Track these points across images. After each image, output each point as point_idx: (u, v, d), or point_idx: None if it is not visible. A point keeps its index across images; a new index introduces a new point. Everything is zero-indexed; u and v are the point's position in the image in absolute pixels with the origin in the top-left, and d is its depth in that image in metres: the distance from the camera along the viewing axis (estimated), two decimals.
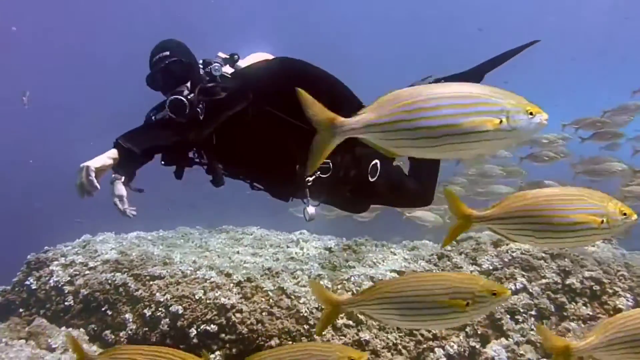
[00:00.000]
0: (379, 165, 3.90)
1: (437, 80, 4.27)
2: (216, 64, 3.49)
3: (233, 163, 3.57)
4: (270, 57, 3.84)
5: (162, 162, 3.55)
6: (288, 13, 26.79)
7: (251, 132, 3.48)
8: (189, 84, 3.39)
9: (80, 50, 25.80)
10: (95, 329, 5.07)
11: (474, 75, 4.19)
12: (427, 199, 4.31)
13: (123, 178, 3.45)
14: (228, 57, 3.64)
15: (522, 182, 7.56)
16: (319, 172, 3.61)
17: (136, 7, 25.02)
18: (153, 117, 3.41)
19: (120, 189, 3.36)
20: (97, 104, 25.02)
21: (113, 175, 3.47)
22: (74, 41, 25.39)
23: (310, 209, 3.69)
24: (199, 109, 3.26)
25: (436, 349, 4.70)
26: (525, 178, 7.75)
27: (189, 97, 3.31)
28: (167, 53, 3.41)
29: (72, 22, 24.66)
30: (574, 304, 4.92)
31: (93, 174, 2.94)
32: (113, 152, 3.10)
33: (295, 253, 6.32)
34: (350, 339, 4.75)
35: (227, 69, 3.57)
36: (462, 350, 4.68)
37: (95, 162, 3.00)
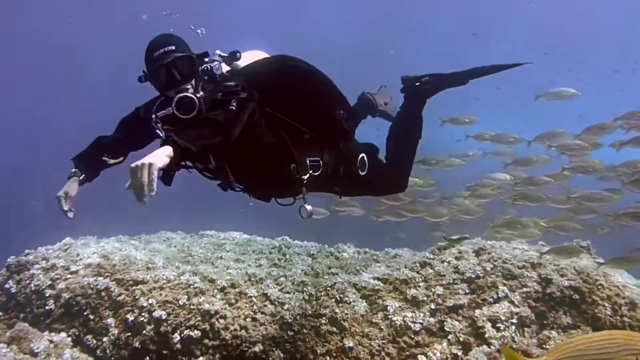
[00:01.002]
0: (366, 158, 3.96)
1: (419, 78, 4.47)
2: (216, 62, 3.46)
3: (236, 164, 3.54)
4: (265, 55, 3.86)
5: None
6: (275, 15, 26.81)
7: (254, 133, 3.48)
8: (193, 82, 3.35)
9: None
10: (77, 333, 5.02)
11: (462, 78, 4.37)
12: (405, 184, 4.44)
13: (82, 176, 3.44)
14: (227, 55, 3.60)
15: (570, 194, 7.27)
16: (311, 171, 3.66)
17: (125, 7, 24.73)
18: (154, 116, 3.31)
19: (73, 187, 3.36)
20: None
21: (73, 171, 3.44)
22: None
23: (308, 207, 3.72)
24: (232, 108, 3.21)
25: (419, 356, 4.73)
26: (569, 180, 7.44)
27: (197, 95, 3.27)
28: (173, 47, 3.33)
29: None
30: (554, 312, 4.99)
31: (155, 174, 2.72)
32: (168, 150, 2.88)
33: (278, 259, 6.33)
34: (334, 345, 4.77)
35: (224, 67, 3.56)
36: (444, 357, 4.71)
37: (159, 161, 2.77)
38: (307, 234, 7.50)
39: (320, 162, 3.72)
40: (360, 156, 3.94)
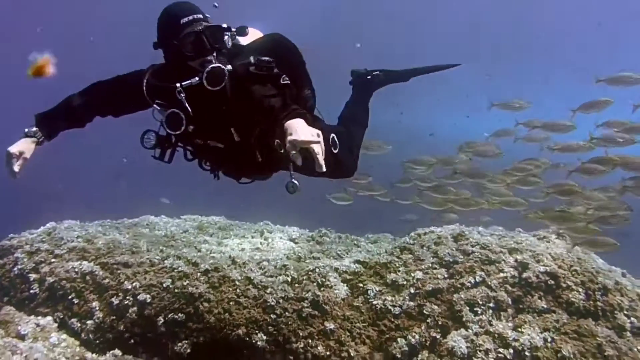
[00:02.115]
0: (336, 138, 4.08)
1: (370, 72, 4.98)
2: (226, 36, 3.50)
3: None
4: (257, 31, 3.92)
5: (148, 146, 3.56)
6: None
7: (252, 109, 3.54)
8: (215, 54, 3.36)
9: None
10: (62, 317, 5.04)
11: (405, 75, 5.00)
12: (356, 169, 4.65)
13: (41, 139, 3.40)
14: (235, 30, 3.60)
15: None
16: None
17: None
18: (178, 84, 3.30)
19: (29, 149, 3.31)
20: None
21: (34, 129, 3.37)
22: None
23: (295, 182, 3.79)
24: (287, 82, 3.40)
25: (399, 339, 4.85)
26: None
27: (227, 67, 3.30)
28: (201, 16, 3.34)
29: None
30: (530, 297, 5.13)
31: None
32: (304, 121, 2.99)
33: (260, 243, 6.42)
34: (315, 328, 4.87)
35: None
36: (423, 340, 4.84)
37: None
38: (288, 219, 7.61)
39: None
40: (332, 135, 4.05)
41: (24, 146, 3.30)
